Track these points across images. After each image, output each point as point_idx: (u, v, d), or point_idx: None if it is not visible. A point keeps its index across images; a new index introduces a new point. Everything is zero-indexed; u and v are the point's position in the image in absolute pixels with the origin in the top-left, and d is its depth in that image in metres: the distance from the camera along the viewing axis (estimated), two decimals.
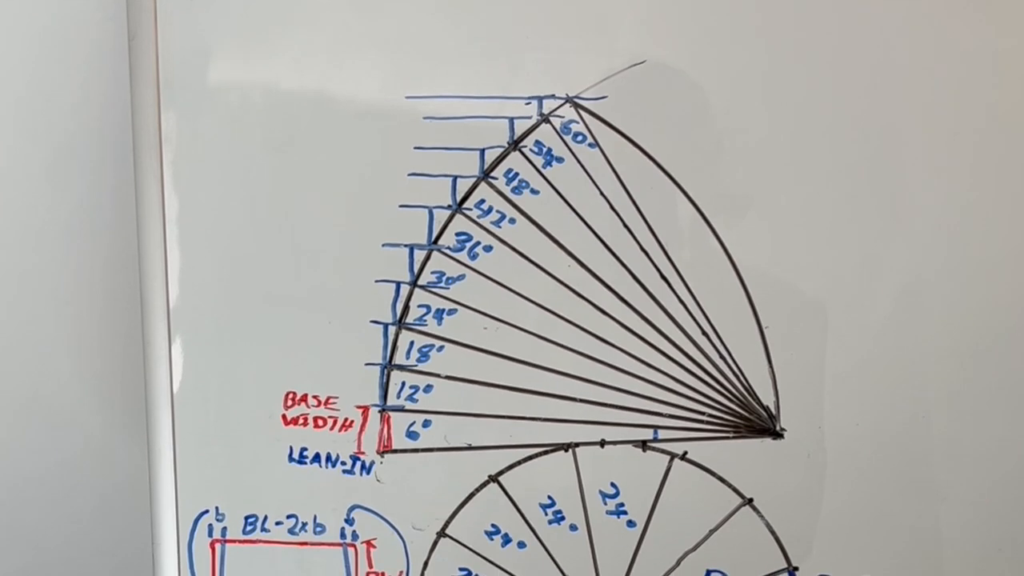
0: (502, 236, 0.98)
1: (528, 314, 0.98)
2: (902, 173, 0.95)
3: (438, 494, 1.02)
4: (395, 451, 1.01)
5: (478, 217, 0.97)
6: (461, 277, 0.98)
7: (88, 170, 1.20)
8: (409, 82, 0.96)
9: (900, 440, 0.98)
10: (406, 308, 0.99)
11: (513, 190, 0.97)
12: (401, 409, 1.00)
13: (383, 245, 0.98)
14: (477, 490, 1.01)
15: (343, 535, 1.03)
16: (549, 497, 1.01)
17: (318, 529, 1.03)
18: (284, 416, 1.01)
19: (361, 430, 1.01)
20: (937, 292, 0.96)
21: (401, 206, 0.97)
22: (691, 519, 1.00)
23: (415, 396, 1.00)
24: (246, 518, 1.03)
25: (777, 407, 0.98)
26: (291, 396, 1.01)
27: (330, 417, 1.01)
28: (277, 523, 1.03)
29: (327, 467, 1.02)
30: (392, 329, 0.99)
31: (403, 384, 1.00)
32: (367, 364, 1.00)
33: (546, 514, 1.01)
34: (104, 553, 1.33)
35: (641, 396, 0.99)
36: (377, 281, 0.99)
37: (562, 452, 1.00)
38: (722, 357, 0.98)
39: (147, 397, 1.02)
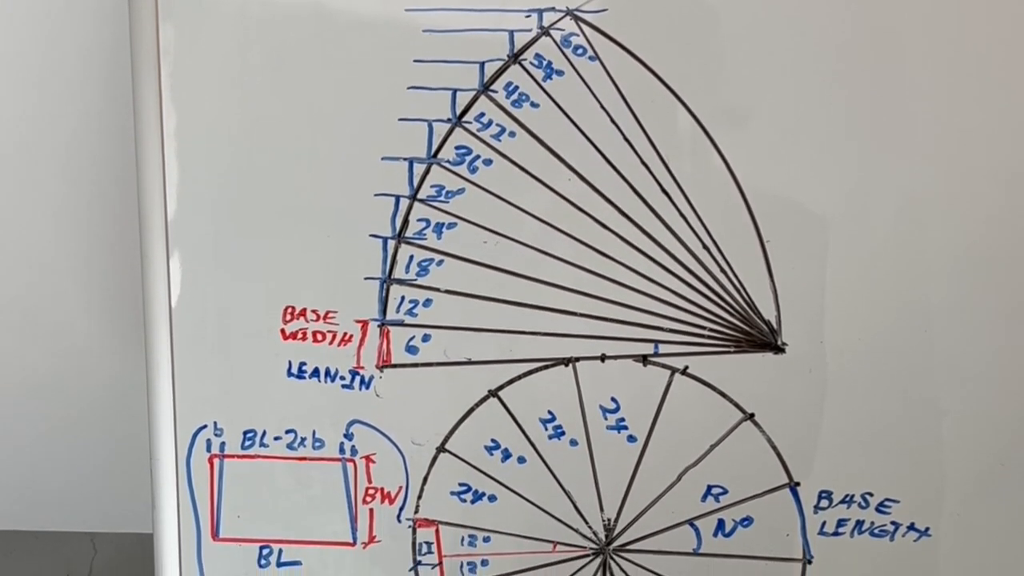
0: (502, 149, 0.99)
1: (528, 228, 1.00)
2: (904, 86, 0.96)
3: (437, 409, 1.04)
4: (394, 366, 1.03)
5: (478, 130, 0.99)
6: (461, 191, 1.00)
7: (85, 83, 1.22)
8: None
9: (902, 354, 1.00)
10: (405, 222, 1.01)
11: (513, 103, 0.99)
12: (400, 323, 1.02)
13: (382, 158, 1.00)
14: (477, 405, 1.04)
15: (342, 450, 1.05)
16: (549, 412, 1.03)
17: (317, 444, 1.06)
18: (283, 330, 1.03)
19: (360, 344, 1.03)
20: (939, 206, 0.98)
21: (400, 119, 0.99)
22: (692, 434, 1.03)
23: (414, 310, 1.02)
24: (244, 433, 1.06)
25: (778, 321, 1.00)
26: (290, 310, 1.03)
27: (329, 331, 1.03)
28: (276, 438, 1.06)
29: (326, 382, 1.04)
30: (391, 243, 1.01)
31: (402, 298, 1.02)
32: (366, 278, 1.02)
33: (546, 429, 1.04)
34: (102, 469, 1.36)
35: (642, 310, 1.01)
36: (376, 195, 1.00)
37: (562, 367, 1.02)
38: (723, 271, 1.00)
39: (145, 312, 1.04)
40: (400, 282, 1.02)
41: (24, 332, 1.32)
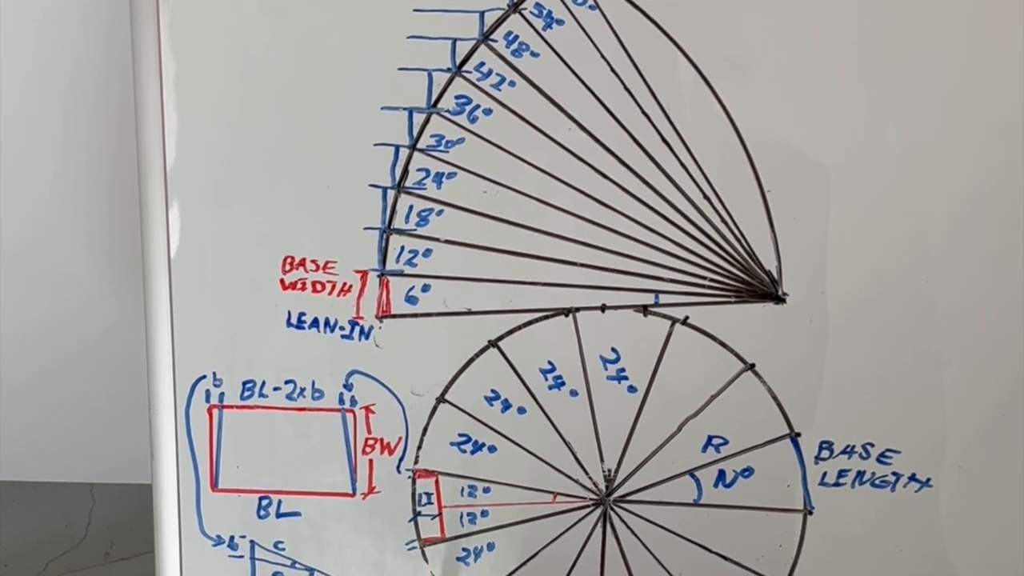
0: (502, 99, 1.00)
1: (528, 178, 1.00)
2: (906, 33, 0.96)
3: (437, 359, 1.05)
4: (394, 316, 1.04)
5: (478, 80, 0.99)
6: (460, 140, 1.00)
7: (83, 33, 1.22)
8: None
9: (903, 304, 1.01)
10: (405, 172, 1.01)
11: (513, 53, 0.99)
12: (400, 274, 1.03)
13: (382, 108, 1.00)
14: (477, 355, 1.04)
15: (341, 400, 1.06)
16: (549, 362, 1.04)
17: (316, 395, 1.06)
18: (282, 280, 1.04)
19: (360, 295, 1.04)
20: (941, 155, 0.98)
21: (400, 69, 0.99)
22: (693, 384, 1.03)
23: (414, 260, 1.02)
24: (244, 384, 1.06)
25: (779, 271, 1.00)
26: (289, 260, 1.03)
27: (328, 282, 1.03)
28: (275, 388, 1.06)
29: (325, 332, 1.04)
30: (391, 193, 1.02)
31: (402, 248, 1.02)
32: (366, 228, 1.02)
33: (546, 379, 1.04)
34: (101, 419, 1.36)
35: (642, 260, 1.01)
36: (376, 144, 1.01)
37: (562, 317, 1.03)
38: (724, 221, 1.00)
39: (144, 262, 1.04)
40: (400, 232, 1.02)
41: (23, 282, 1.32)
